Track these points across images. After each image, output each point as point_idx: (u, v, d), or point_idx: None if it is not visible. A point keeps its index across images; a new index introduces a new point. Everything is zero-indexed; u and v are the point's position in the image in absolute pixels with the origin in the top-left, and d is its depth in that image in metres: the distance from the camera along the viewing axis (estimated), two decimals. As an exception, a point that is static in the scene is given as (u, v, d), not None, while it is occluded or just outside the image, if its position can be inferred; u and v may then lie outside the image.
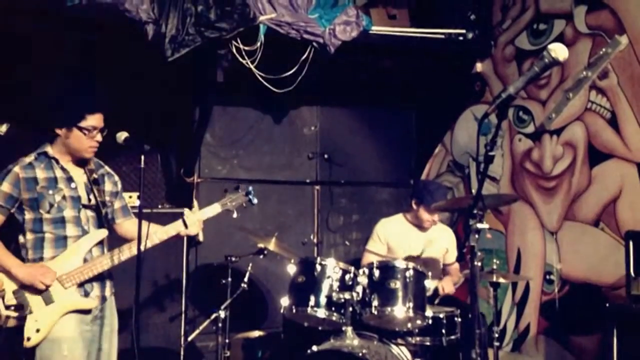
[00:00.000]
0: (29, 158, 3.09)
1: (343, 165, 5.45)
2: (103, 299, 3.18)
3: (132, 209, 3.44)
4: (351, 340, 3.46)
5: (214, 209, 3.40)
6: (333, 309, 3.46)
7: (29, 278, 2.93)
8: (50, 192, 3.03)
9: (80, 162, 3.18)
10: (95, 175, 3.21)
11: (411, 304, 3.43)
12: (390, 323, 3.57)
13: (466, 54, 5.26)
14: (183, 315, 4.59)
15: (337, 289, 3.48)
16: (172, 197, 5.03)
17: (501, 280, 3.82)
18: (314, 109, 5.40)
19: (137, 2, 4.02)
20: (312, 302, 3.45)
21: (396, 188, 5.57)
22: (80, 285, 3.06)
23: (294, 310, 3.51)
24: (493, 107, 2.15)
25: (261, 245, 4.10)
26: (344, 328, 3.49)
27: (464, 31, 5.07)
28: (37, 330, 2.94)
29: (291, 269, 3.69)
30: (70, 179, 3.12)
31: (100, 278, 3.15)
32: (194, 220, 3.30)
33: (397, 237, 4.42)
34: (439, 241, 4.46)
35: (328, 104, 5.42)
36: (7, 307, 2.93)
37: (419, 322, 3.52)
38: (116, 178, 3.38)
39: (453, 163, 5.55)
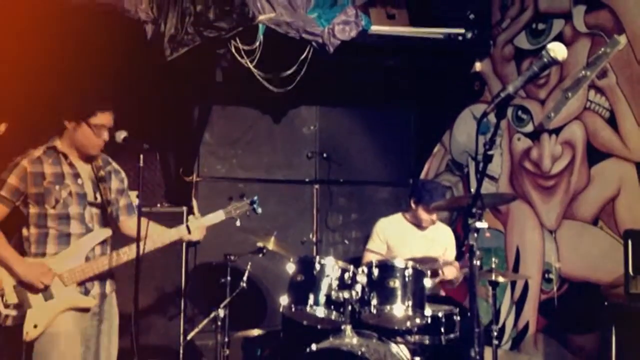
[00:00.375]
0: (38, 152, 3.10)
1: (342, 164, 5.45)
2: (103, 296, 3.19)
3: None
4: (350, 338, 3.46)
5: (218, 216, 3.43)
6: (332, 307, 3.47)
7: (28, 276, 2.94)
8: (57, 187, 3.05)
9: (88, 157, 3.19)
10: (102, 172, 3.23)
11: (410, 303, 3.43)
12: (389, 321, 3.58)
13: (465, 53, 5.26)
14: (182, 314, 4.60)
15: (336, 288, 3.48)
16: (171, 196, 5.04)
17: (500, 279, 3.83)
18: (313, 108, 5.40)
19: (136, 2, 4.03)
20: (311, 300, 3.46)
21: (395, 187, 5.57)
22: (81, 283, 3.07)
23: (293, 309, 3.51)
24: (492, 107, 2.16)
25: (260, 244, 4.11)
26: (343, 327, 3.49)
27: (463, 31, 5.07)
28: (35, 326, 2.95)
29: (290, 267, 3.70)
30: (77, 175, 3.13)
31: (101, 276, 3.16)
32: (197, 225, 3.32)
33: (396, 236, 4.43)
34: (438, 240, 4.47)
35: (327, 104, 5.43)
36: (7, 306, 2.94)
37: (418, 320, 3.53)
38: (123, 175, 3.39)
39: (452, 162, 5.56)
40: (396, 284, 3.46)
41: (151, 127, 4.47)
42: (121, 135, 3.13)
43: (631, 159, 4.08)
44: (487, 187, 5.05)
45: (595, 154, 4.31)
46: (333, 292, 3.46)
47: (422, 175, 5.74)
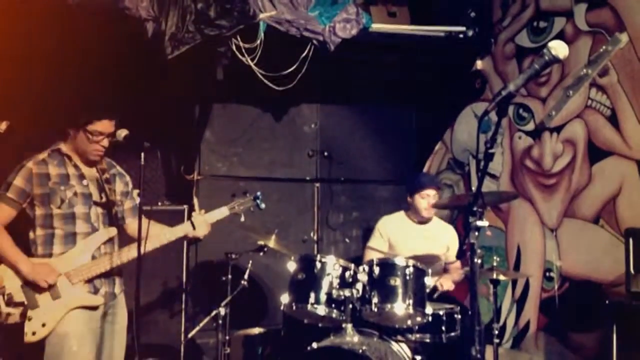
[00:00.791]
0: (43, 155, 3.15)
1: (343, 162, 5.45)
2: (112, 295, 3.21)
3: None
4: (351, 337, 3.46)
5: (222, 212, 3.45)
6: (333, 306, 3.47)
7: (33, 275, 2.96)
8: (62, 187, 3.08)
9: (90, 162, 3.22)
10: (107, 175, 3.26)
11: (411, 301, 3.44)
12: (390, 320, 3.58)
13: (466, 51, 5.25)
14: (183, 312, 4.60)
15: (337, 286, 3.49)
16: (172, 195, 5.04)
17: (501, 277, 3.83)
18: (314, 106, 5.40)
19: (137, 0, 4.02)
20: (312, 299, 3.46)
21: (396, 185, 5.57)
22: (90, 281, 3.10)
23: (294, 307, 3.52)
24: (493, 105, 2.16)
25: (261, 242, 4.11)
26: (344, 325, 3.50)
27: (464, 29, 5.06)
28: (43, 325, 2.97)
29: (291, 266, 3.70)
30: (82, 176, 3.17)
31: (109, 275, 3.18)
32: (202, 221, 3.33)
33: (398, 234, 4.43)
34: (441, 238, 4.47)
35: (328, 102, 5.42)
36: (8, 304, 2.95)
37: (418, 319, 3.53)
38: (127, 178, 3.44)
39: (453, 160, 5.55)
40: (397, 282, 3.46)
41: (152, 126, 4.45)
42: (122, 133, 3.14)
43: (632, 157, 4.07)
44: (488, 186, 5.05)
45: (596, 152, 4.30)
46: (334, 291, 3.47)
47: (423, 174, 5.74)
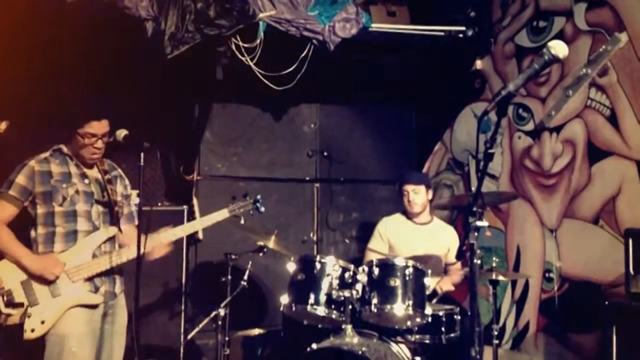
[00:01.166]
0: (45, 154, 3.18)
1: (343, 162, 5.44)
2: (112, 295, 3.22)
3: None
4: (351, 338, 3.45)
5: (222, 214, 3.47)
6: (333, 306, 3.46)
7: (38, 268, 2.97)
8: (64, 185, 3.10)
9: (88, 164, 3.23)
10: (108, 176, 3.27)
11: (411, 302, 3.43)
12: (389, 321, 3.57)
13: (466, 51, 5.25)
14: (183, 313, 4.60)
15: (337, 287, 3.48)
16: (172, 195, 5.03)
17: (500, 278, 3.82)
18: (314, 106, 5.39)
19: None
20: (311, 300, 3.45)
21: (398, 186, 5.56)
22: (90, 280, 3.10)
23: (293, 308, 3.51)
24: (493, 105, 2.15)
25: (261, 243, 4.11)
26: (343, 326, 3.49)
27: (463, 28, 5.06)
28: (42, 322, 2.97)
29: (291, 266, 3.70)
30: (84, 175, 3.19)
31: (110, 274, 3.19)
32: (154, 245, 3.24)
33: (398, 235, 4.43)
34: (441, 239, 4.46)
35: (328, 102, 5.42)
36: (7, 305, 2.95)
37: (418, 320, 3.52)
38: (127, 182, 3.46)
39: (453, 161, 5.55)
40: (397, 283, 3.45)
41: (151, 126, 4.47)
42: (122, 133, 3.15)
43: (632, 157, 4.07)
44: (488, 186, 5.04)
45: (595, 153, 4.30)
46: (334, 292, 3.46)
47: (423, 174, 5.74)
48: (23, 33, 4.04)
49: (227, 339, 4.09)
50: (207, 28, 4.20)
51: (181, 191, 4.98)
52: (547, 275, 4.60)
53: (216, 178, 5.06)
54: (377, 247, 4.44)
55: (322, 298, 3.47)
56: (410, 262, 3.54)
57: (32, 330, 2.96)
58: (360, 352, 3.31)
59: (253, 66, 4.45)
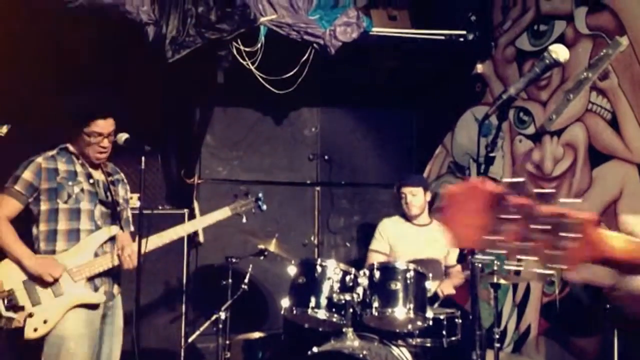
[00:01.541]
0: (51, 152, 3.19)
1: (343, 166, 5.45)
2: (111, 295, 3.23)
3: (132, 210, 3.49)
4: (352, 341, 3.45)
5: (224, 212, 3.48)
6: (333, 310, 3.46)
7: (37, 270, 2.97)
8: (70, 183, 3.11)
9: (93, 164, 3.25)
10: (111, 178, 3.29)
11: (412, 305, 3.43)
12: (390, 324, 3.57)
13: (467, 55, 5.25)
14: (183, 317, 4.60)
15: (338, 290, 3.48)
16: (173, 199, 5.04)
17: (502, 281, 3.82)
18: (315, 110, 5.40)
19: (138, 3, 4.03)
20: (312, 303, 3.45)
21: (397, 189, 5.56)
22: (91, 280, 3.10)
23: (294, 312, 3.51)
24: (494, 108, 2.15)
25: (262, 246, 4.10)
26: (344, 329, 3.49)
27: (464, 32, 5.06)
28: (45, 322, 2.98)
29: (292, 270, 3.69)
30: (89, 175, 3.21)
31: (110, 274, 3.20)
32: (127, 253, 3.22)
33: (397, 236, 4.45)
34: (440, 241, 4.46)
35: (328, 105, 5.42)
36: (8, 309, 2.95)
37: (419, 323, 3.52)
38: (128, 187, 3.47)
39: (454, 164, 5.55)
40: (398, 286, 3.45)
41: (153, 129, 4.47)
42: (123, 137, 3.17)
43: (633, 160, 4.06)
44: (489, 189, 5.03)
45: (596, 156, 4.29)
46: (334, 295, 3.46)
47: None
48: (24, 36, 4.05)
49: (227, 342, 4.09)
50: (208, 32, 4.20)
51: (182, 194, 4.98)
52: (548, 279, 4.59)
53: (217, 181, 5.07)
54: (379, 247, 4.46)
55: (323, 301, 3.46)
56: (412, 266, 3.54)
57: (35, 330, 2.96)
58: (361, 356, 3.30)
59: (254, 70, 4.46)
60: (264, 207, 3.69)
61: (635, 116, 4.06)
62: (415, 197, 4.41)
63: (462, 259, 4.49)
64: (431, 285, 3.63)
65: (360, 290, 3.49)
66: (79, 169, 3.19)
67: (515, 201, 1.05)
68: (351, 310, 3.48)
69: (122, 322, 3.32)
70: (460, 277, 4.34)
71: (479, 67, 5.30)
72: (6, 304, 2.95)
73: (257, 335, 4.34)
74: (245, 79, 4.49)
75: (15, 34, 3.99)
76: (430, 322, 3.52)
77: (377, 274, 3.51)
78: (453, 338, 3.70)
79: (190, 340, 4.28)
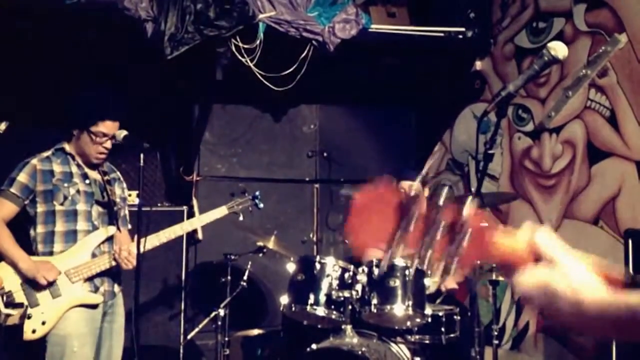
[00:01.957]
0: (47, 153, 3.18)
1: (342, 163, 5.44)
2: (112, 294, 3.23)
3: (131, 207, 3.49)
4: (350, 338, 3.45)
5: (221, 211, 3.47)
6: (332, 307, 3.46)
7: (32, 272, 2.97)
8: (66, 184, 3.10)
9: (92, 165, 3.24)
10: (107, 177, 3.28)
11: (410, 302, 3.43)
12: (389, 321, 3.57)
13: (466, 52, 5.25)
14: (182, 314, 4.59)
15: (337, 287, 3.48)
16: (172, 196, 5.03)
17: (500, 278, 3.82)
18: (313, 107, 5.39)
19: (136, 0, 4.02)
20: (311, 300, 3.45)
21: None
22: (89, 280, 3.10)
23: (293, 309, 3.51)
24: (492, 106, 2.15)
25: (260, 243, 4.11)
26: (343, 326, 3.49)
27: (463, 29, 5.06)
28: (43, 323, 2.98)
29: (290, 267, 3.70)
30: (85, 175, 3.19)
31: (109, 274, 3.19)
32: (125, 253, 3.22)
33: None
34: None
35: (327, 102, 5.42)
36: (7, 306, 2.95)
37: (418, 320, 3.52)
38: (124, 185, 3.46)
39: (452, 161, 5.55)
40: (396, 283, 3.45)
41: (151, 126, 4.47)
42: (121, 134, 3.16)
43: (632, 158, 4.07)
44: (488, 187, 5.04)
45: (595, 153, 4.30)
46: (333, 292, 3.46)
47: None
48: (23, 34, 4.05)
49: (226, 339, 4.09)
50: (207, 29, 4.20)
51: (181, 192, 4.98)
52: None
53: (216, 178, 5.06)
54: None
55: (322, 298, 3.46)
56: (410, 262, 3.54)
57: (33, 331, 2.96)
58: (360, 353, 3.31)
59: (253, 67, 4.45)
60: (261, 205, 3.69)
61: (634, 113, 4.06)
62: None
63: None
64: (430, 282, 3.63)
65: (359, 287, 3.49)
66: (74, 169, 3.17)
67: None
68: (350, 307, 3.48)
69: (123, 320, 3.32)
70: (462, 273, 4.34)
71: (478, 64, 5.30)
72: (5, 300, 2.95)
73: (256, 332, 4.35)
74: (244, 76, 4.48)
75: (15, 32, 3.98)
76: (429, 319, 3.52)
77: (376, 271, 3.51)
78: (452, 335, 3.70)
79: (189, 337, 4.29)
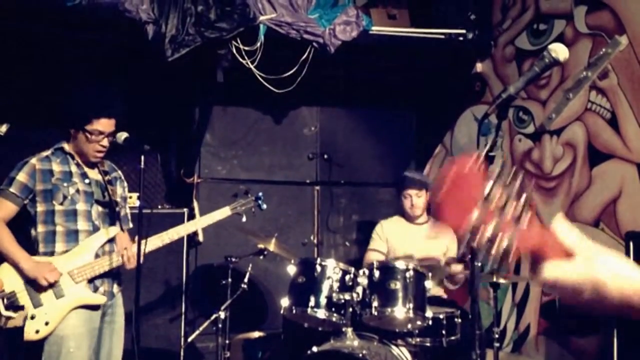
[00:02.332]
0: (46, 152, 3.17)
1: (343, 165, 5.44)
2: (111, 294, 3.23)
3: (132, 209, 3.48)
4: (351, 341, 3.45)
5: (224, 212, 3.47)
6: (333, 309, 3.46)
7: (33, 273, 2.97)
8: (65, 184, 3.09)
9: (91, 164, 3.23)
10: (108, 177, 3.27)
11: (411, 305, 3.42)
12: (390, 324, 3.57)
13: (466, 54, 5.25)
14: (183, 316, 4.59)
15: (337, 290, 3.47)
16: (172, 198, 5.03)
17: (501, 281, 3.82)
18: (314, 109, 5.39)
19: (137, 2, 4.02)
20: (312, 302, 3.44)
21: (396, 188, 5.57)
22: (90, 280, 3.10)
23: (294, 311, 3.50)
24: (493, 108, 2.14)
25: (261, 245, 4.10)
26: (344, 329, 3.48)
27: (464, 31, 5.06)
28: (46, 323, 2.98)
29: (291, 269, 3.69)
30: (84, 175, 3.18)
31: (109, 274, 3.19)
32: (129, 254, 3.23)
33: (396, 235, 4.46)
34: (439, 239, 4.47)
35: (328, 104, 5.42)
36: (7, 308, 2.95)
37: (419, 322, 3.51)
38: (125, 184, 3.45)
39: (453, 163, 5.54)
40: (397, 285, 3.45)
41: (152, 128, 4.47)
42: (122, 136, 3.16)
43: (632, 160, 4.06)
44: (489, 189, 5.03)
45: (596, 155, 4.29)
46: (334, 294, 3.45)
47: (423, 177, 5.74)
48: (24, 35, 4.05)
49: (227, 342, 4.08)
50: (208, 31, 4.20)
51: (181, 194, 4.98)
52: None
53: (216, 181, 5.06)
54: (377, 246, 4.49)
55: (323, 301, 3.46)
56: (411, 265, 3.54)
57: (37, 332, 2.96)
58: (360, 355, 3.30)
59: (253, 69, 4.45)
60: (264, 206, 3.70)
61: (635, 115, 4.06)
62: (420, 199, 4.43)
63: (461, 258, 4.50)
64: (431, 285, 3.62)
65: (359, 289, 3.48)
66: (74, 169, 3.16)
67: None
68: (351, 309, 3.47)
69: (123, 320, 3.32)
70: (463, 274, 4.34)
71: (479, 66, 5.30)
72: (6, 302, 2.95)
73: (256, 334, 4.34)
74: (245, 78, 4.49)
75: (15, 34, 3.99)
76: (430, 322, 3.52)
77: (376, 273, 3.51)
78: (452, 338, 3.70)
79: (189, 339, 4.29)
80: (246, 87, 4.67)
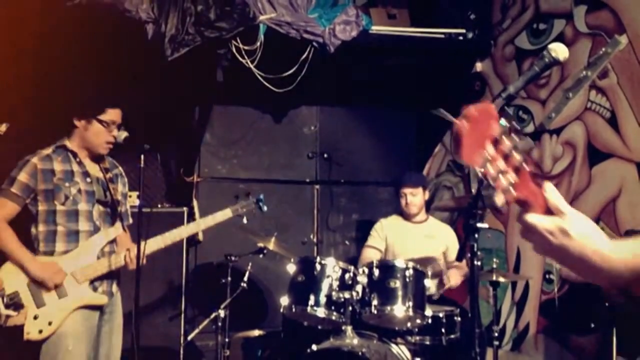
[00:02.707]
0: (47, 150, 3.15)
1: (343, 164, 5.45)
2: (110, 294, 3.23)
3: (131, 208, 3.49)
4: (351, 339, 3.45)
5: (225, 213, 3.47)
6: (333, 308, 3.46)
7: (41, 275, 2.97)
8: (67, 184, 3.08)
9: (96, 158, 3.23)
10: (110, 174, 3.27)
11: (411, 303, 3.43)
12: (389, 322, 3.57)
13: (466, 53, 5.26)
14: (183, 315, 4.60)
15: (337, 288, 3.48)
16: (172, 197, 5.04)
17: (501, 279, 3.82)
18: (314, 108, 5.40)
19: (137, 2, 4.03)
20: (311, 301, 3.45)
21: (396, 187, 5.57)
22: (90, 281, 3.10)
23: (293, 310, 3.51)
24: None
25: (261, 244, 4.11)
26: (343, 327, 3.49)
27: (463, 31, 5.07)
28: (50, 323, 2.98)
29: (291, 268, 3.70)
30: (86, 174, 3.18)
31: (108, 274, 3.19)
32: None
33: (395, 234, 4.47)
34: (438, 238, 4.48)
35: (328, 104, 5.42)
36: (7, 307, 2.95)
37: (418, 321, 3.52)
38: (126, 180, 3.45)
39: (453, 162, 5.55)
40: (397, 284, 3.45)
41: (152, 128, 4.47)
42: (122, 135, 3.16)
43: (632, 159, 4.07)
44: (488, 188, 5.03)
45: (596, 155, 4.30)
46: (334, 293, 3.46)
47: (423, 176, 5.74)
48: (26, 35, 4.05)
49: (227, 340, 4.09)
50: (208, 30, 4.20)
51: (181, 193, 4.98)
52: (547, 276, 4.60)
53: (216, 180, 5.07)
54: (374, 243, 4.51)
55: (322, 299, 3.46)
56: (411, 264, 3.54)
57: (40, 332, 2.96)
58: (360, 354, 3.31)
59: (253, 68, 4.46)
60: (265, 208, 3.69)
61: (635, 115, 4.06)
62: (416, 197, 4.44)
63: (461, 257, 4.50)
64: (430, 283, 3.63)
65: (359, 288, 3.49)
66: (75, 168, 3.16)
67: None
68: (350, 308, 3.48)
69: (122, 319, 3.32)
70: (464, 272, 4.35)
71: (478, 66, 5.31)
72: (6, 301, 2.95)
73: (256, 333, 4.35)
74: (245, 77, 4.49)
75: (15, 33, 3.98)
76: (429, 320, 3.53)
77: (376, 272, 3.51)
78: (452, 336, 3.71)
79: (189, 338, 4.29)
80: (246, 86, 4.67)
